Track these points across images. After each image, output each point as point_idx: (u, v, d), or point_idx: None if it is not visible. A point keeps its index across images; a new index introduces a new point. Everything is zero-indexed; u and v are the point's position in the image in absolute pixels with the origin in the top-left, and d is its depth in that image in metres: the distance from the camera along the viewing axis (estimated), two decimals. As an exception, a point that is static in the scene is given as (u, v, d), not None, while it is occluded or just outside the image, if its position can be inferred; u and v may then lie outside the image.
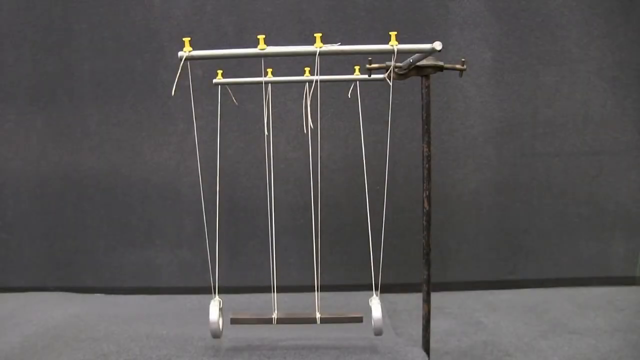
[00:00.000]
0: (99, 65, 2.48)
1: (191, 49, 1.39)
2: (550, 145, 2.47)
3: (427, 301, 1.63)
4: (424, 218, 1.61)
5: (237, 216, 2.50)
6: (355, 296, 2.29)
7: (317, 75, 1.41)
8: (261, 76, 1.62)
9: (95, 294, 2.49)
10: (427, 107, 1.58)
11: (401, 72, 1.56)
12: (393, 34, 1.35)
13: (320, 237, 1.67)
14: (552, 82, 2.45)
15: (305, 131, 1.51)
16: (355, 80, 1.75)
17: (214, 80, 1.77)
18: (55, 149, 2.52)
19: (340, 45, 1.37)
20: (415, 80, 1.61)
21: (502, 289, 2.45)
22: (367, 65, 1.57)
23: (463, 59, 1.62)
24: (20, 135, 2.52)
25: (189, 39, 1.39)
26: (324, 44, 1.37)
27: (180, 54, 1.38)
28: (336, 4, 2.42)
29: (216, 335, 1.63)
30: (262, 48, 1.38)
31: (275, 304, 1.65)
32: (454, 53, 2.38)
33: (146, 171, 2.51)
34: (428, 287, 1.62)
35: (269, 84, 1.73)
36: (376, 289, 1.64)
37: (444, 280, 2.42)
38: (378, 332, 1.65)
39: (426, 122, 1.58)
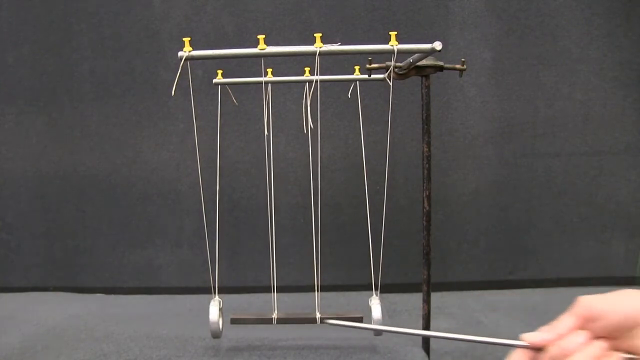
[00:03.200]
0: (99, 65, 2.48)
1: (191, 49, 1.39)
2: (550, 145, 2.47)
3: (427, 301, 1.63)
4: (424, 218, 1.61)
5: (237, 216, 2.50)
6: (355, 296, 2.29)
7: (317, 75, 1.41)
8: (261, 76, 1.62)
9: (95, 294, 2.49)
10: (427, 107, 1.58)
11: (401, 72, 1.56)
12: (393, 34, 1.35)
13: (320, 237, 1.67)
14: (552, 82, 2.45)
15: (305, 131, 1.51)
16: (355, 80, 1.75)
17: (214, 80, 1.77)
18: (55, 149, 2.52)
19: (340, 45, 1.37)
20: (415, 80, 1.61)
21: (502, 289, 2.45)
22: (367, 65, 1.57)
23: (463, 59, 1.62)
24: (20, 135, 2.52)
25: (189, 39, 1.39)
26: (324, 44, 1.37)
27: (180, 54, 1.38)
28: (336, 4, 2.42)
29: (216, 335, 1.63)
30: (262, 48, 1.38)
31: (275, 304, 1.65)
32: (454, 53, 2.38)
33: (146, 171, 2.51)
34: (428, 287, 1.62)
35: (269, 84, 1.73)
36: (376, 289, 1.64)
37: (444, 280, 2.42)
38: (378, 332, 1.65)
39: (426, 122, 1.58)
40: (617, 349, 0.52)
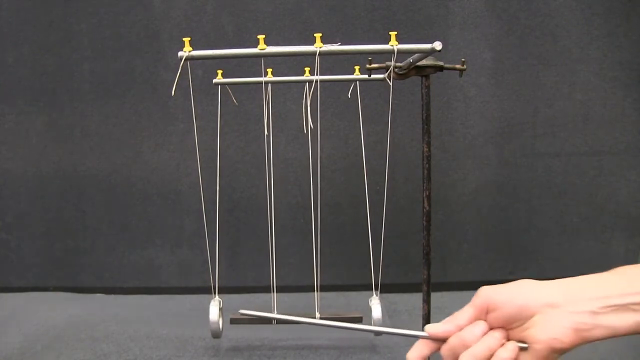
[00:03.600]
0: (99, 65, 2.48)
1: (191, 49, 1.39)
2: (550, 145, 2.47)
3: (427, 301, 1.62)
4: (424, 218, 1.61)
5: (237, 216, 2.50)
6: (355, 296, 2.29)
7: (317, 75, 1.41)
8: (261, 76, 1.62)
9: (95, 294, 2.49)
10: (427, 107, 1.58)
11: (401, 72, 1.56)
12: (393, 34, 1.35)
13: (320, 237, 1.67)
14: (552, 82, 2.45)
15: (305, 131, 1.51)
16: (355, 80, 1.75)
17: (214, 80, 1.77)
18: (55, 149, 2.52)
19: (340, 45, 1.37)
20: (415, 80, 1.61)
21: (502, 289, 2.45)
22: (367, 65, 1.57)
23: (463, 59, 1.62)
24: (20, 135, 2.52)
25: (189, 39, 1.39)
26: (324, 44, 1.37)
27: (180, 54, 1.38)
28: (336, 4, 2.42)
29: (216, 335, 1.63)
30: (262, 48, 1.37)
31: (275, 304, 1.65)
32: (454, 53, 2.38)
33: (146, 171, 2.51)
34: (428, 287, 1.62)
35: (269, 84, 1.73)
36: (376, 289, 1.64)
37: (444, 280, 2.42)
38: (378, 332, 1.65)
39: (426, 122, 1.58)
40: (513, 339, 0.54)
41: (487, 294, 0.56)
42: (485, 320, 0.55)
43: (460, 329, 0.55)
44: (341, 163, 2.46)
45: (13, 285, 2.53)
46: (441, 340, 0.56)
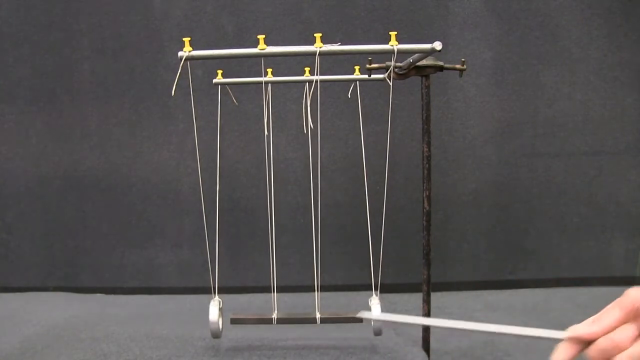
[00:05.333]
0: (99, 65, 2.48)
1: (191, 49, 1.39)
2: (550, 145, 2.47)
3: (427, 301, 1.63)
4: (424, 218, 1.61)
5: (237, 216, 2.49)
6: (355, 296, 2.29)
7: (317, 75, 1.41)
8: (261, 76, 1.62)
9: (95, 294, 2.49)
10: (427, 107, 1.58)
11: (401, 72, 1.56)
12: (393, 34, 1.35)
13: (320, 237, 1.67)
14: (552, 82, 2.45)
15: (305, 131, 1.51)
16: (355, 80, 1.75)
17: (214, 80, 1.77)
18: (55, 149, 2.52)
19: (340, 45, 1.37)
20: (415, 80, 1.61)
21: (502, 289, 2.45)
22: (367, 65, 1.57)
23: (463, 59, 1.62)
24: (20, 135, 2.52)
25: (189, 39, 1.39)
26: (324, 44, 1.37)
27: (180, 54, 1.38)
28: (336, 4, 2.42)
29: (216, 335, 1.63)
30: (262, 48, 1.37)
31: (275, 304, 1.65)
32: (454, 53, 2.38)
33: (146, 171, 2.51)
34: (428, 287, 1.62)
35: (269, 84, 1.73)
36: (376, 289, 1.64)
37: (444, 280, 2.42)
38: (378, 332, 1.65)
39: (426, 122, 1.58)
40: None
41: (637, 296, 0.53)
42: (635, 323, 0.53)
43: (607, 331, 0.53)
44: (341, 163, 2.46)
45: (13, 285, 2.54)
46: (586, 342, 0.54)
